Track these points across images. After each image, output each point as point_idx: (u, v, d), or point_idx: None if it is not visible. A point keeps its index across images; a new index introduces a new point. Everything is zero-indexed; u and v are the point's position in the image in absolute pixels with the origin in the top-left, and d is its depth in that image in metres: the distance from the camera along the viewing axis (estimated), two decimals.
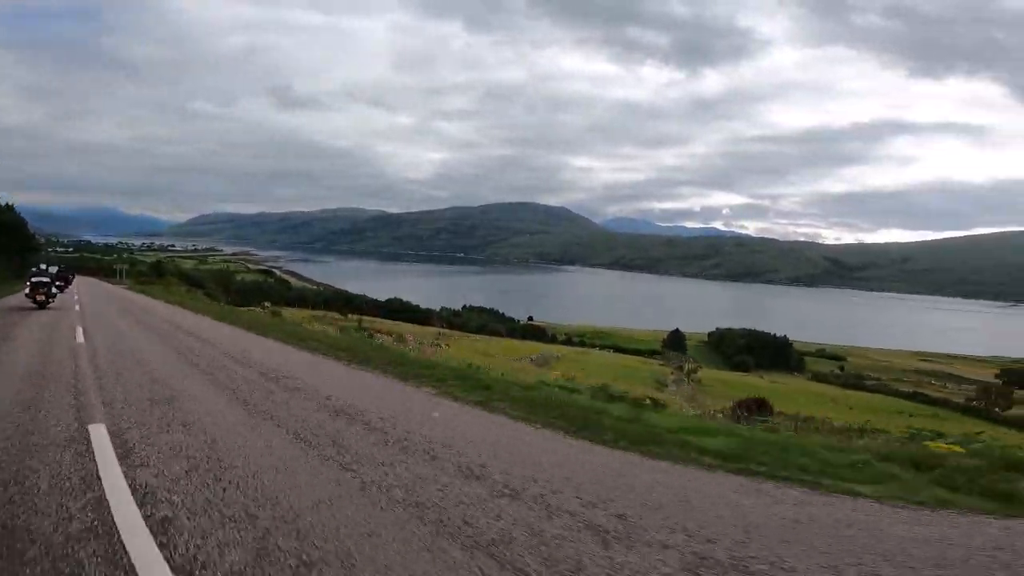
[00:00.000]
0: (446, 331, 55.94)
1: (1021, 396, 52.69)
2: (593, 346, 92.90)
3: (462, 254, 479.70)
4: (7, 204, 45.96)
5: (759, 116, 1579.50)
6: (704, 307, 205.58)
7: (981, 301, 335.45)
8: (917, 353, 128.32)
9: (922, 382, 77.70)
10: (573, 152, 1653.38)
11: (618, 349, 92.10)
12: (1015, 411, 47.03)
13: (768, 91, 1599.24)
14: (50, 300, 21.78)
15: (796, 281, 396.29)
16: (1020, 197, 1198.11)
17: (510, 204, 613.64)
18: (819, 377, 68.13)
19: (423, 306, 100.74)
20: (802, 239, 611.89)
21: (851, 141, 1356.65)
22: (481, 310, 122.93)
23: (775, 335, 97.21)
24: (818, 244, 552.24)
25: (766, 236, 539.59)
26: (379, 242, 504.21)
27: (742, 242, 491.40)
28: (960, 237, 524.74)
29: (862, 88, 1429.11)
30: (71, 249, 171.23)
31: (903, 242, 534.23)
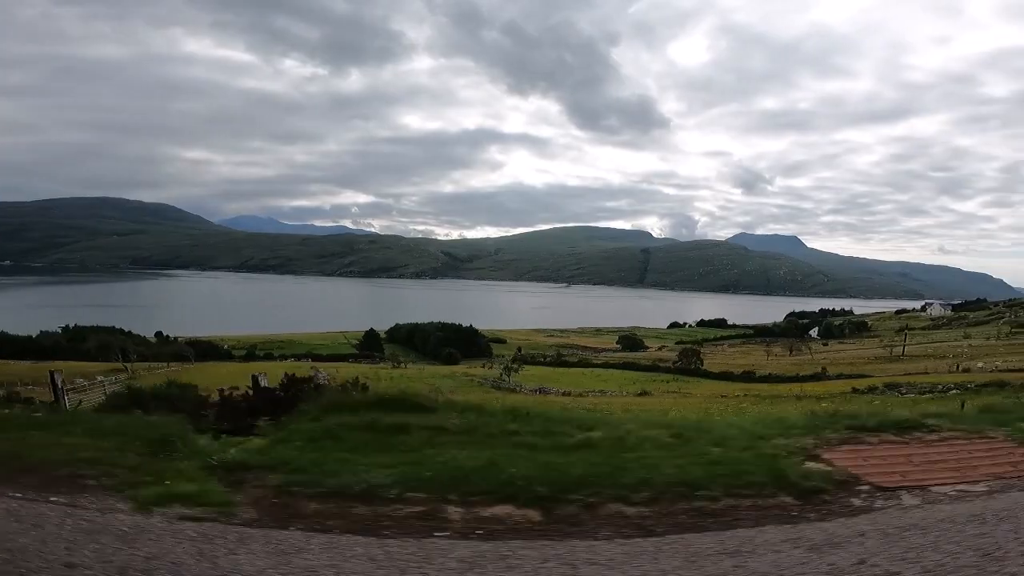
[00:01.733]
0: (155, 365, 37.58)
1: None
2: (284, 357, 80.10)
3: (8, 261, 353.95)
4: None
5: (392, 118, 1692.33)
6: (354, 305, 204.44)
7: (546, 284, 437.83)
8: (536, 330, 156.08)
9: (576, 354, 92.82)
10: (184, 143, 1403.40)
11: (315, 357, 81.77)
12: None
13: (403, 94, 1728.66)
14: None
15: (421, 275, 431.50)
16: (563, 199, 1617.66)
17: (87, 200, 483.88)
18: (528, 359, 74.13)
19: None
20: (419, 235, 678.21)
21: (460, 146, 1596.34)
22: (101, 330, 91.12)
23: (462, 325, 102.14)
24: (436, 240, 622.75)
25: (391, 233, 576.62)
26: None
27: (374, 239, 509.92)
28: (530, 232, 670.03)
29: (473, 98, 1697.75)
30: None
31: (494, 237, 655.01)
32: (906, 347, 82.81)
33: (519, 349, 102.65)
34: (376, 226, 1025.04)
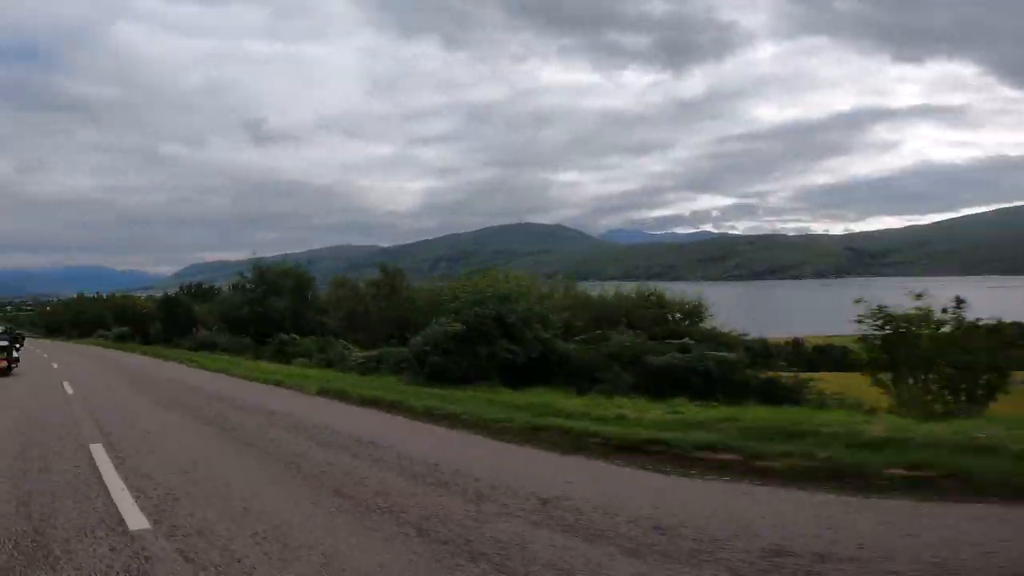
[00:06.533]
0: None
1: None
2: None
3: None
4: None
5: (741, 114, 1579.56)
6: (809, 308, 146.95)
7: (1011, 277, 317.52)
8: None
9: None
10: (558, 167, 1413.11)
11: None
12: None
13: (749, 87, 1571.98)
14: (12, 365, 19.17)
15: (823, 273, 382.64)
16: (998, 174, 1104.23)
17: (503, 227, 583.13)
18: None
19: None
20: (792, 233, 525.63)
21: (831, 131, 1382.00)
22: None
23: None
24: (829, 235, 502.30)
25: (758, 233, 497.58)
26: None
27: (753, 240, 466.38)
28: (952, 219, 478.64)
29: (840, 77, 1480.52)
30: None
31: (897, 227, 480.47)
32: None
33: None
34: (740, 228, 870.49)
